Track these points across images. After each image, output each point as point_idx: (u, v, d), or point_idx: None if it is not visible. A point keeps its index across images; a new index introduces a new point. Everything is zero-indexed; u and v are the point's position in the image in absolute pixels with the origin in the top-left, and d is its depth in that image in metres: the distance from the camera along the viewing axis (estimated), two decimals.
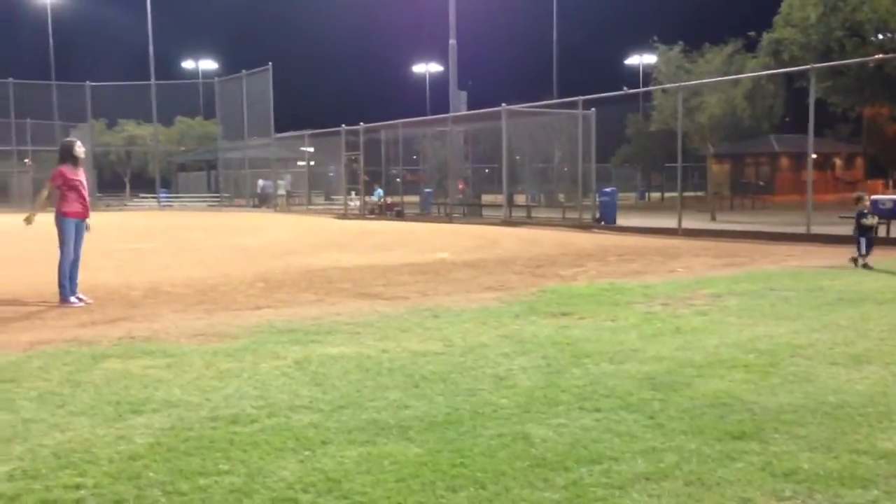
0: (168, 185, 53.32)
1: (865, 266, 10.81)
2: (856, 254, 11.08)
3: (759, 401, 4.53)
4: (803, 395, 4.64)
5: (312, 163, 40.50)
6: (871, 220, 11.46)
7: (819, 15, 20.36)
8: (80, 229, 8.89)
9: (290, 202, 39.98)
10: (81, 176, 9.00)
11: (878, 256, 12.55)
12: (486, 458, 3.71)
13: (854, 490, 3.27)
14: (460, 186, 30.68)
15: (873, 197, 17.51)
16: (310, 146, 38.01)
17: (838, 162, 56.59)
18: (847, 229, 15.93)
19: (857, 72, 20.67)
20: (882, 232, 15.66)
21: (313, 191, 40.25)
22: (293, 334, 6.61)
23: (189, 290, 9.58)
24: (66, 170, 8.83)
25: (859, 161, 58.01)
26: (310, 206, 37.46)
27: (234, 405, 4.56)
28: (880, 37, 20.64)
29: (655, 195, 53.08)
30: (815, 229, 16.17)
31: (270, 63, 40.19)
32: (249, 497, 3.29)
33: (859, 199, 11.83)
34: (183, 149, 53.10)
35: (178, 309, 8.17)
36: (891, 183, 47.68)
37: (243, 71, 43.15)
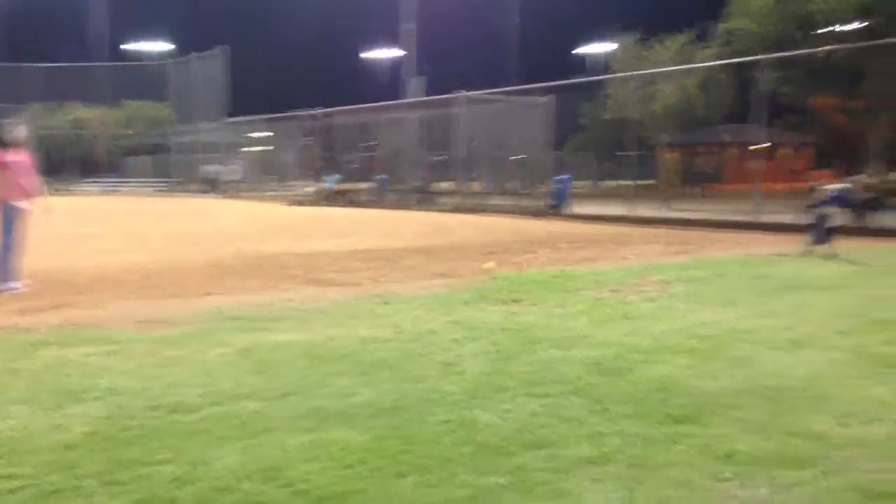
0: (115, 169, 52.20)
1: (830, 254, 10.69)
2: (814, 243, 11.05)
3: (701, 385, 4.61)
4: (744, 378, 4.73)
5: (269, 147, 40.03)
6: (829, 209, 11.43)
7: (771, 6, 20.66)
8: (18, 214, 8.64)
9: (243, 188, 39.47)
10: (21, 159, 8.76)
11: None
12: (432, 444, 3.71)
13: (789, 471, 3.34)
14: (427, 172, 30.62)
15: (819, 186, 17.87)
16: (266, 130, 37.54)
17: (786, 151, 57.65)
18: (792, 217, 16.27)
19: (807, 62, 21.04)
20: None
21: (268, 176, 39.80)
22: (241, 321, 6.54)
23: (135, 276, 9.40)
24: (2, 153, 8.60)
25: (808, 151, 59.21)
26: (264, 192, 37.06)
27: (177, 393, 4.49)
28: (829, 29, 21.02)
29: (609, 183, 53.58)
30: (763, 217, 16.48)
31: (228, 47, 39.57)
32: (189, 486, 3.25)
33: (813, 189, 11.91)
34: (131, 132, 52.02)
35: (124, 295, 8.02)
36: (837, 172, 48.67)
37: (193, 53, 42.38)
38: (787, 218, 16.37)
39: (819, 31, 20.62)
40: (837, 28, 20.85)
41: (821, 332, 5.98)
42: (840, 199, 11.66)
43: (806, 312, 6.80)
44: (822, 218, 11.29)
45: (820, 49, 19.95)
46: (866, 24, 20.29)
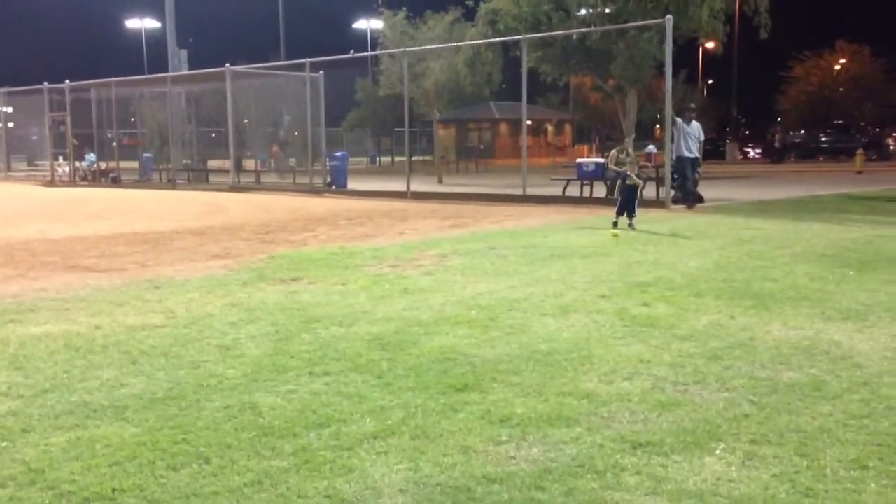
0: None
1: (631, 226, 10.97)
2: (622, 217, 11.14)
3: (480, 353, 4.77)
4: (518, 345, 4.95)
5: (11, 124, 36.37)
6: (634, 181, 11.57)
7: None
8: None
9: None
10: None
11: (583, 214, 13.78)
12: (210, 431, 3.55)
13: (561, 429, 3.54)
14: (275, 149, 29.30)
15: (578, 160, 19.14)
16: (6, 105, 34.08)
17: (550, 128, 61.20)
18: (556, 190, 17.35)
19: (563, 43, 22.30)
20: (586, 192, 17.22)
21: (13, 155, 36.25)
22: None
23: None
24: None
25: (568, 127, 63.20)
26: (9, 173, 33.77)
27: None
28: (582, 12, 22.38)
29: (386, 159, 54.18)
30: (530, 191, 17.38)
31: None
32: None
33: (619, 159, 11.92)
34: None
35: None
36: (594, 147, 52.44)
37: None
38: (551, 191, 17.41)
39: (571, 14, 21.88)
40: (588, 11, 22.23)
41: (586, 297, 6.39)
42: (597, 173, 12.50)
43: (572, 279, 7.24)
44: (630, 189, 11.40)
45: (573, 31, 21.25)
46: (608, 10, 21.83)
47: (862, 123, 48.85)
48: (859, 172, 27.14)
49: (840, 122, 47.42)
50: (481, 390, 4.08)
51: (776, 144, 45.54)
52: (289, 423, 3.63)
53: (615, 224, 10.91)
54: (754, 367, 4.44)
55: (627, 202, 11.41)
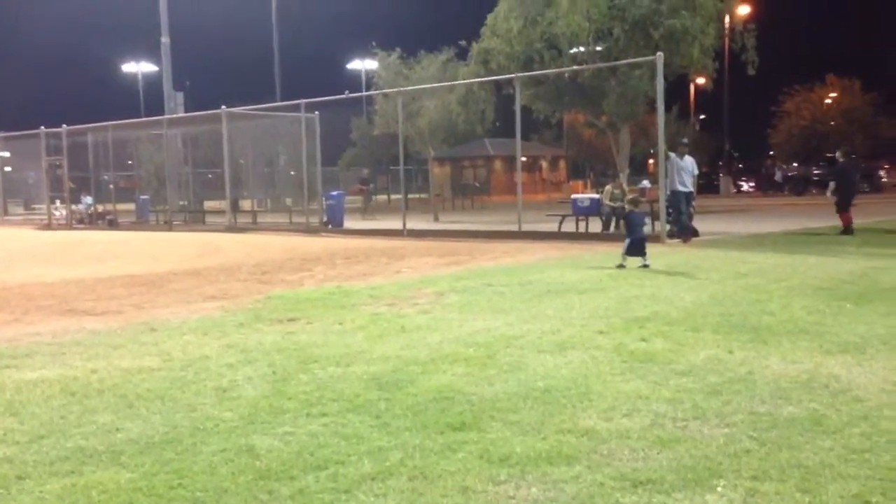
0: None
1: (644, 266, 10.55)
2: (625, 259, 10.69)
3: (478, 391, 4.74)
4: (516, 382, 4.93)
5: (8, 168, 36.50)
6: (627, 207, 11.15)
7: (520, 27, 21.91)
8: None
9: None
10: None
11: (579, 250, 13.79)
12: (207, 475, 3.52)
13: (560, 468, 3.51)
14: (360, 187, 29.65)
15: (573, 196, 19.24)
16: (3, 150, 34.24)
17: (544, 164, 61.55)
18: (552, 226, 17.40)
19: (555, 81, 22.53)
20: (582, 228, 17.28)
21: (10, 199, 36.32)
22: None
23: None
24: None
25: (562, 163, 63.57)
26: (6, 217, 33.81)
27: None
28: (574, 50, 22.66)
29: (382, 197, 54.34)
30: (526, 227, 17.42)
31: None
32: None
33: (614, 194, 11.74)
34: None
35: None
36: (589, 182, 52.73)
37: None
38: (546, 227, 17.46)
39: (563, 53, 22.15)
40: (580, 49, 22.52)
41: (583, 333, 6.38)
42: (592, 208, 12.49)
43: (569, 315, 7.23)
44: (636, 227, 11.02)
45: (565, 69, 21.49)
46: (599, 48, 22.12)
47: (854, 156, 49.24)
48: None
49: (832, 154, 47.79)
50: (479, 429, 4.05)
51: (777, 178, 45.85)
52: (286, 466, 3.60)
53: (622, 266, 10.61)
54: (754, 402, 4.42)
55: (640, 241, 10.86)
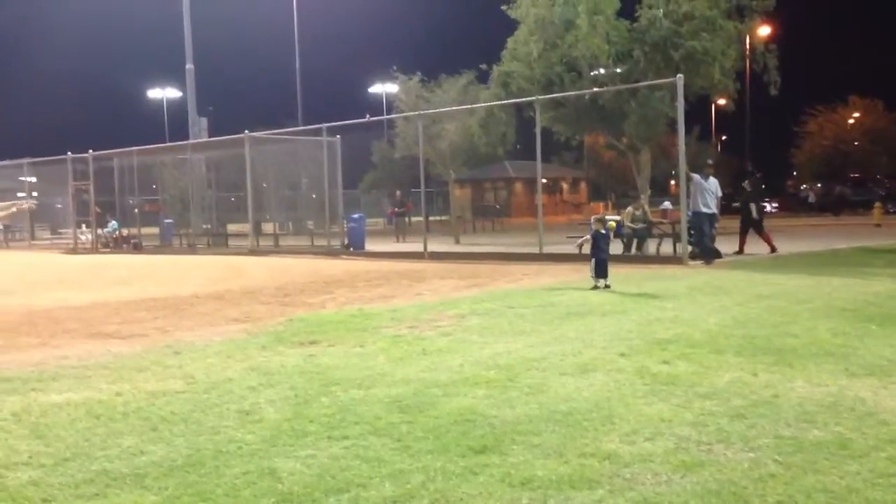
0: None
1: (606, 286, 10.84)
2: (597, 280, 11.03)
3: (500, 414, 4.73)
4: (538, 405, 4.92)
5: (35, 193, 37.04)
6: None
7: (540, 50, 22.00)
8: None
9: (9, 237, 36.20)
10: None
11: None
12: (229, 498, 3.54)
13: (582, 492, 3.49)
14: (395, 209, 30.16)
15: (593, 217, 19.18)
16: (31, 175, 34.77)
17: (565, 186, 61.58)
18: (572, 248, 17.33)
19: (575, 103, 22.57)
20: None
21: (37, 224, 36.80)
22: (9, 383, 5.94)
23: None
24: None
25: (583, 185, 63.57)
26: (33, 241, 34.25)
27: None
28: (594, 72, 22.70)
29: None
30: (547, 249, 17.39)
31: None
32: None
33: (600, 220, 11.91)
34: None
35: None
36: (610, 204, 52.62)
37: None
38: (567, 249, 17.40)
39: (583, 75, 22.20)
40: (600, 72, 22.56)
41: (605, 356, 6.36)
42: (615, 230, 12.40)
43: (591, 337, 7.21)
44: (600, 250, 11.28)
45: (585, 91, 21.53)
46: (619, 70, 22.14)
47: (878, 176, 48.82)
48: (878, 225, 27.01)
49: (856, 175, 47.43)
50: (501, 452, 4.04)
51: (809, 200, 45.44)
52: (308, 489, 3.61)
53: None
54: (779, 426, 4.38)
55: (603, 262, 11.15)
